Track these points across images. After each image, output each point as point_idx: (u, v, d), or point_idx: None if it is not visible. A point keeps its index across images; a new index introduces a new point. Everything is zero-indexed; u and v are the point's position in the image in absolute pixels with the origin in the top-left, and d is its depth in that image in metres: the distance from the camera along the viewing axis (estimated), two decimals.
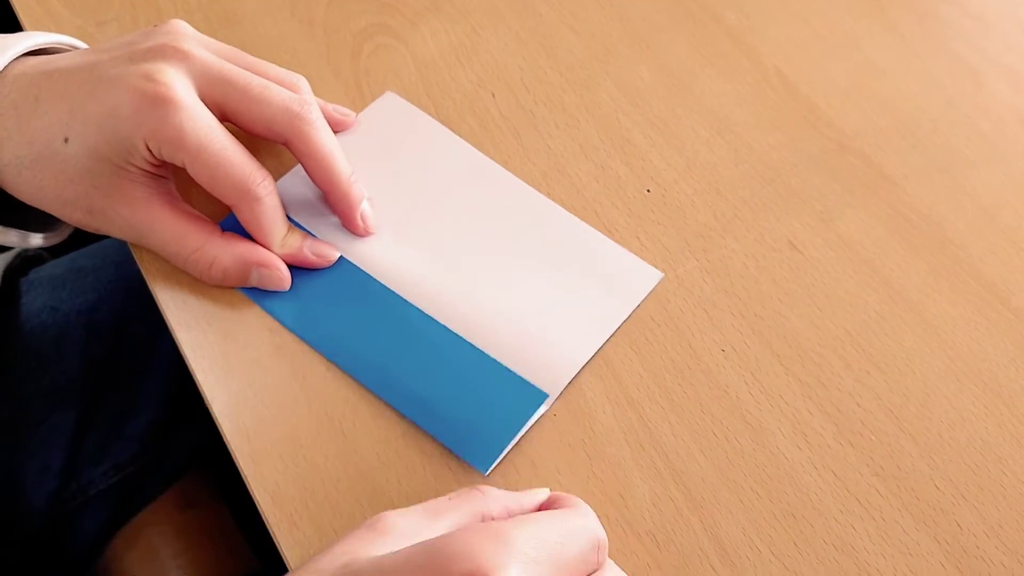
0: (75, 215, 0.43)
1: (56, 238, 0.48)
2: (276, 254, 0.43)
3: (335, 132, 0.45)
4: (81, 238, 0.69)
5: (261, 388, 0.40)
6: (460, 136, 0.48)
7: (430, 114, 0.49)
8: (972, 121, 0.49)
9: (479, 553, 0.30)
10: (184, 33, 0.43)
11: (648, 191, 0.46)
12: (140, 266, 0.44)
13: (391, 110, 0.49)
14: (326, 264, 0.44)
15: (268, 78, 0.43)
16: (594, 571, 0.33)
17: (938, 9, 0.54)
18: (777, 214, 0.46)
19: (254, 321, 0.42)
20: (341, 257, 0.44)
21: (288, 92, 0.43)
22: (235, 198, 0.42)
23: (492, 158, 0.47)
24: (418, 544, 0.31)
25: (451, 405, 0.40)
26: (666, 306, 0.43)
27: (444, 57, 0.51)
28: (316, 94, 0.46)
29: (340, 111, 0.48)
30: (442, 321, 0.42)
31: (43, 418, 0.60)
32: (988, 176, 0.47)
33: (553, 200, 0.46)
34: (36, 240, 0.47)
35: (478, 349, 0.42)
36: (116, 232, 0.43)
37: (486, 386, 0.41)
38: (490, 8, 0.53)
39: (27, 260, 0.66)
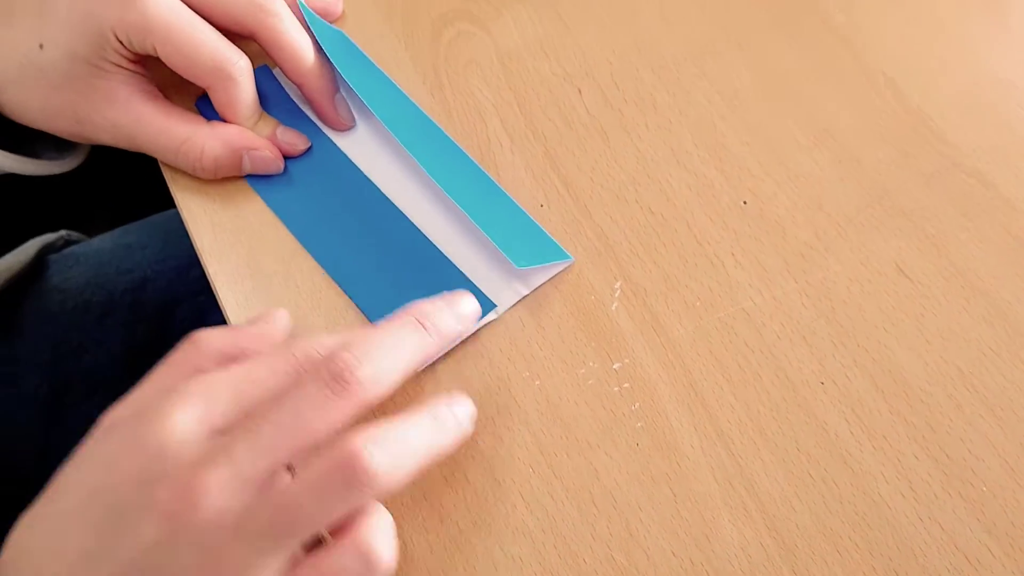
0: (63, 125, 0.43)
1: (60, 167, 0.48)
2: None
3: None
4: (127, 215, 0.68)
5: None
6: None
7: (512, 107, 0.46)
8: None
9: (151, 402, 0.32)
10: None
11: (745, 203, 0.43)
12: (188, 227, 0.42)
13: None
14: (295, 152, 0.44)
15: None
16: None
17: None
18: (884, 235, 0.42)
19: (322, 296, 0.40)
20: (334, 146, 0.45)
21: None
22: (209, 78, 0.42)
23: (576, 159, 0.44)
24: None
25: (402, 298, 0.38)
26: (761, 331, 0.40)
27: (528, 48, 0.48)
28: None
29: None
30: (412, 219, 0.43)
31: (83, 399, 0.59)
32: None
33: (641, 206, 0.43)
34: (30, 166, 0.46)
35: (439, 251, 0.42)
36: (106, 138, 0.44)
37: (441, 286, 0.40)
38: None
39: (70, 243, 0.65)
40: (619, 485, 0.36)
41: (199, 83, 0.42)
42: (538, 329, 0.40)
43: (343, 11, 0.49)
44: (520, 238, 0.42)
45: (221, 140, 0.43)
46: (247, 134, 0.43)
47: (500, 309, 0.40)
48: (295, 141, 0.44)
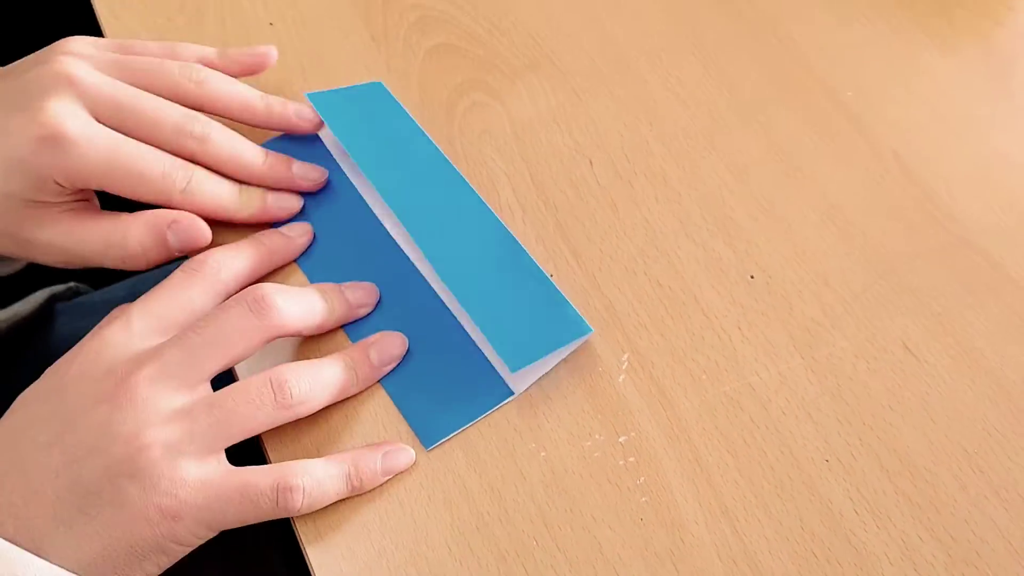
0: (9, 247, 0.43)
1: (8, 268, 0.50)
2: (242, 220, 0.44)
3: (255, 72, 0.48)
4: None
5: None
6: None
7: (524, 177, 0.47)
8: None
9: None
10: (71, 52, 0.43)
11: (752, 277, 0.43)
12: None
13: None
14: (289, 215, 0.45)
15: (162, 72, 0.44)
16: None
17: None
18: (891, 312, 0.42)
19: None
20: (370, 212, 0.45)
21: (179, 110, 0.43)
22: (163, 201, 0.42)
23: (587, 230, 0.45)
24: None
25: (420, 374, 0.41)
26: (767, 407, 0.40)
27: (541, 119, 0.49)
28: None
29: (252, 52, 0.48)
30: (440, 294, 0.43)
31: None
32: None
33: (649, 278, 0.43)
34: None
35: (464, 330, 0.42)
36: (44, 258, 0.44)
37: (459, 367, 0.41)
38: (592, 70, 0.51)
39: (79, 293, 0.65)
40: (623, 560, 0.36)
41: (157, 204, 0.42)
42: (545, 400, 0.40)
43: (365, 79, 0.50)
44: (535, 317, 0.41)
45: (141, 222, 0.42)
46: (164, 211, 0.42)
47: (515, 396, 0.40)
48: (288, 205, 0.45)
